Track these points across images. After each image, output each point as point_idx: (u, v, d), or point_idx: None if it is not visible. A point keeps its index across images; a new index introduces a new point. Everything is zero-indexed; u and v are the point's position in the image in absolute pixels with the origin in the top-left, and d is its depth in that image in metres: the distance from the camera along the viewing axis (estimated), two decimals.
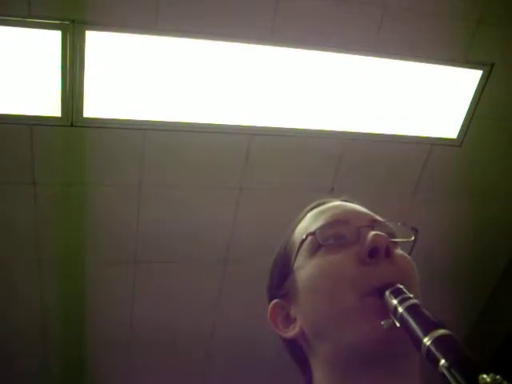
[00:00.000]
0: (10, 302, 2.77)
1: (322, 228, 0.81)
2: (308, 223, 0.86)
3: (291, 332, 0.82)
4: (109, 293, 2.88)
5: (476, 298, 3.46)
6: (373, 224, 0.80)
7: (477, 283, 3.41)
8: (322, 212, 0.86)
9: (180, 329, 3.09)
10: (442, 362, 0.59)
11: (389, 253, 0.75)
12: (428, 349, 0.61)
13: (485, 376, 0.56)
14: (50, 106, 2.34)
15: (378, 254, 0.74)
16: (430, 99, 2.75)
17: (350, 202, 0.89)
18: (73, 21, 2.18)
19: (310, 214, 0.88)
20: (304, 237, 0.81)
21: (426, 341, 0.62)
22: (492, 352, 3.33)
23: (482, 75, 2.71)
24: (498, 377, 0.56)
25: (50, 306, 2.84)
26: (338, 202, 0.89)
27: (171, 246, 2.84)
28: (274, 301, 0.86)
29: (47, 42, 2.20)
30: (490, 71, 2.70)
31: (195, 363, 3.27)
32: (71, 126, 2.40)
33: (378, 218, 0.84)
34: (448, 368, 0.58)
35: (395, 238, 0.81)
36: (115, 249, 2.78)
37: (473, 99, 2.77)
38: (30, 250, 2.66)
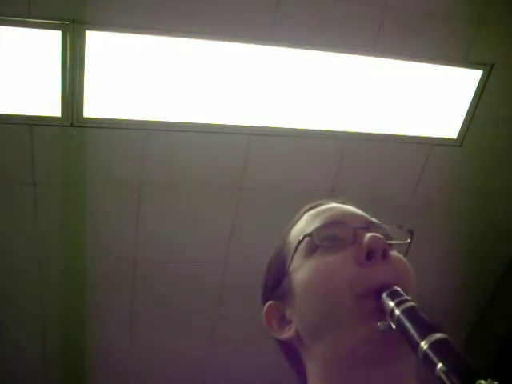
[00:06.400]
0: (9, 302, 2.77)
1: (318, 229, 0.81)
2: (304, 224, 0.85)
3: (286, 334, 0.82)
4: (109, 292, 2.88)
5: (476, 298, 3.46)
6: (369, 226, 0.80)
7: (477, 283, 3.40)
8: (318, 213, 0.86)
9: (180, 328, 3.09)
10: (440, 365, 0.59)
11: (385, 255, 0.75)
12: (425, 352, 0.61)
13: (483, 382, 0.55)
14: (50, 106, 2.34)
15: (374, 255, 0.74)
16: (430, 99, 2.74)
17: (346, 204, 0.89)
18: (73, 21, 2.18)
19: (306, 216, 0.88)
20: (301, 238, 0.81)
21: (423, 344, 0.62)
22: (492, 353, 3.33)
23: (482, 75, 2.71)
24: (495, 383, 0.55)
25: (50, 307, 2.84)
26: (334, 204, 0.88)
27: (171, 246, 2.84)
28: (269, 302, 0.85)
29: (47, 42, 2.21)
30: (490, 71, 2.69)
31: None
32: (71, 125, 2.40)
33: (374, 220, 0.84)
34: (445, 372, 0.58)
35: (391, 239, 0.81)
36: (115, 249, 2.78)
37: (473, 99, 2.77)
38: (30, 250, 2.67)
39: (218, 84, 2.48)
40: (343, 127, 2.73)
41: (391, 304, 0.69)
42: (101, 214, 2.67)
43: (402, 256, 0.80)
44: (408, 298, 0.69)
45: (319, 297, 0.76)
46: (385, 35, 2.52)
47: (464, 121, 2.83)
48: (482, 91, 2.75)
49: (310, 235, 0.80)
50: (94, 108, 2.40)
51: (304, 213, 0.90)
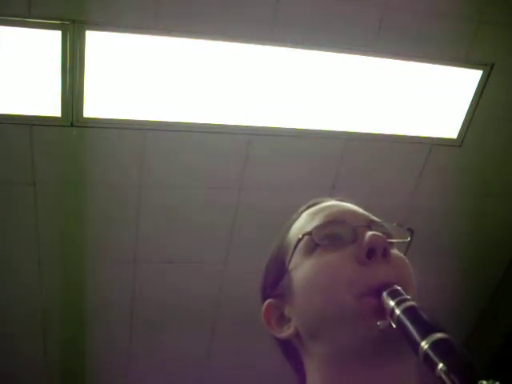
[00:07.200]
0: (10, 302, 2.77)
1: (318, 228, 0.80)
2: (304, 222, 0.84)
3: (285, 332, 0.81)
4: (108, 292, 2.88)
5: (476, 298, 3.46)
6: (369, 224, 0.79)
7: (478, 283, 3.40)
8: (317, 211, 0.85)
9: (180, 327, 3.09)
10: (441, 365, 0.58)
11: (386, 253, 0.74)
12: (425, 352, 0.61)
13: (484, 382, 0.55)
14: (49, 106, 2.34)
15: (375, 254, 0.74)
16: (430, 99, 2.74)
17: (345, 201, 0.88)
18: (73, 21, 2.18)
19: (305, 214, 0.87)
20: (300, 236, 0.80)
21: (424, 344, 0.61)
22: (493, 351, 3.33)
23: (482, 75, 2.71)
24: (497, 383, 0.55)
25: (50, 306, 2.84)
26: (333, 202, 0.87)
27: (171, 246, 2.84)
28: (268, 300, 0.84)
29: (47, 42, 2.21)
30: (490, 71, 2.69)
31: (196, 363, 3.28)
32: (71, 125, 2.40)
33: (375, 218, 0.83)
34: (446, 372, 0.57)
35: (391, 238, 0.80)
36: (115, 249, 2.78)
37: (473, 99, 2.77)
38: (30, 250, 2.66)
39: (218, 84, 2.48)
40: (343, 127, 2.73)
41: (391, 303, 0.68)
42: (101, 214, 2.67)
43: (402, 255, 0.79)
44: (408, 297, 0.69)
45: (319, 296, 0.75)
46: (385, 35, 2.52)
47: (464, 121, 2.83)
48: (481, 91, 2.75)
49: (309, 234, 0.79)
50: (94, 108, 2.39)
51: (302, 211, 0.89)
